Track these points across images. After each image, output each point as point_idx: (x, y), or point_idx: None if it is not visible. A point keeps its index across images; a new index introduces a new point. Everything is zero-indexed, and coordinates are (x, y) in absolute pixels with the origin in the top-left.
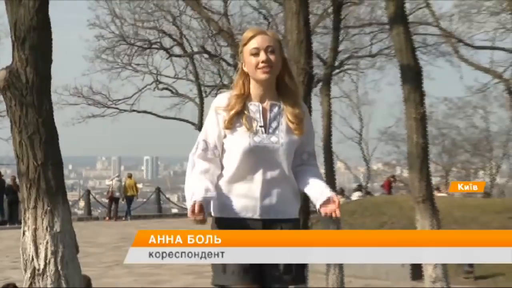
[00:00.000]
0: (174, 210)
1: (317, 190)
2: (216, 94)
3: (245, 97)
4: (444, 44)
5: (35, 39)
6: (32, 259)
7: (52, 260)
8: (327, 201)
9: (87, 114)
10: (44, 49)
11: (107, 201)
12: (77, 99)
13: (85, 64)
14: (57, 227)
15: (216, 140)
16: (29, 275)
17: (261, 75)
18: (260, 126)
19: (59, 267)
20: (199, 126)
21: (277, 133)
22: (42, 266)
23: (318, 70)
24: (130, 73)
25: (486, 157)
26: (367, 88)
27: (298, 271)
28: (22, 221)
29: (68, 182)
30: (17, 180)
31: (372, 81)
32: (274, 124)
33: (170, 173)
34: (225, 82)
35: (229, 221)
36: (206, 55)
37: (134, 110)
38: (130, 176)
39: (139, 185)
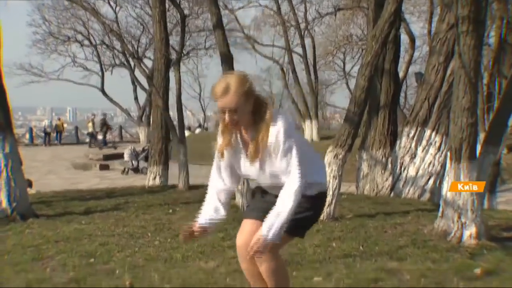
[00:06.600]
0: (86, 140)
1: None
2: (112, 70)
3: (227, 144)
4: (246, 42)
5: None
6: None
7: (5, 169)
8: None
9: (29, 81)
10: None
11: (43, 134)
12: (22, 72)
13: (26, 49)
14: (7, 149)
15: (225, 165)
16: None
17: (232, 129)
18: (242, 155)
19: (10, 174)
20: (101, 89)
21: (257, 160)
22: None
23: (173, 56)
24: (56, 56)
25: None
26: (203, 67)
27: (299, 225)
28: None
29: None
30: None
31: (205, 63)
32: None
33: (84, 118)
34: (117, 63)
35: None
36: (104, 46)
37: (60, 79)
38: (59, 119)
39: (65, 125)
